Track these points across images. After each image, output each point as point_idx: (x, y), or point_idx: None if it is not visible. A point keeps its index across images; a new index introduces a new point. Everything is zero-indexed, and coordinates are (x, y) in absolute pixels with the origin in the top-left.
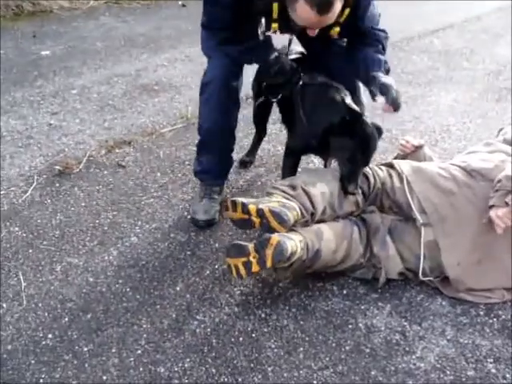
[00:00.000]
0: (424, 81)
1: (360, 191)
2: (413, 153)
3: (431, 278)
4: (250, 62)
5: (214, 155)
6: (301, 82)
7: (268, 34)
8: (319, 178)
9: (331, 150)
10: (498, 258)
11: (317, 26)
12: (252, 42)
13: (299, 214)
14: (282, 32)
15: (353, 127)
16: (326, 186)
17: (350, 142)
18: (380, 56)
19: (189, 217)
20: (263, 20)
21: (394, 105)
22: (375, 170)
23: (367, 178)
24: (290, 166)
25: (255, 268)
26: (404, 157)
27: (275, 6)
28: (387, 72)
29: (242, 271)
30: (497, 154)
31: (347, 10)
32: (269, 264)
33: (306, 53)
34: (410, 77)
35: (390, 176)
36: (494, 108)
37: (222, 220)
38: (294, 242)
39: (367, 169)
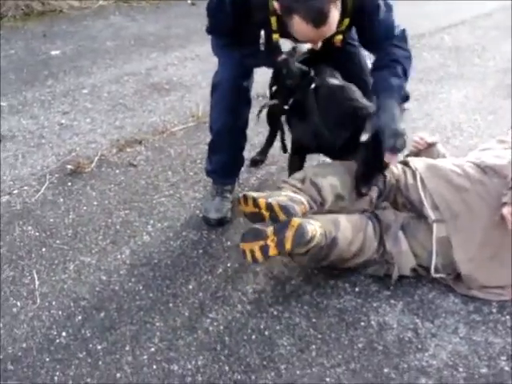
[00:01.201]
0: (435, 78)
1: (376, 190)
2: (426, 150)
3: (443, 275)
4: (256, 66)
5: (225, 155)
6: (313, 85)
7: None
8: (331, 171)
9: (346, 151)
10: (509, 254)
11: (317, 39)
12: (258, 45)
13: (307, 206)
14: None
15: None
16: (336, 179)
17: (366, 144)
18: (395, 81)
19: (201, 215)
20: (262, 32)
21: (394, 151)
22: (390, 167)
23: (383, 174)
24: (295, 165)
25: (273, 251)
26: (417, 154)
27: (273, 19)
28: (404, 100)
29: (259, 255)
30: (509, 151)
31: (346, 20)
32: (288, 246)
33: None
34: (421, 74)
35: (405, 173)
36: (505, 105)
37: (233, 218)
38: (313, 227)
39: None
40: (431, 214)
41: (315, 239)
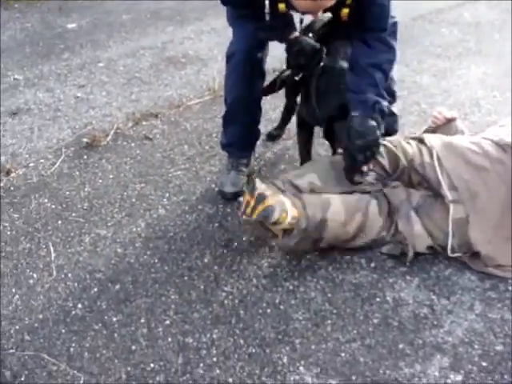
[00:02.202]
0: (453, 54)
1: (373, 175)
2: (444, 125)
3: (460, 254)
4: (269, 39)
5: (240, 127)
6: (322, 64)
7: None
8: (310, 169)
9: (336, 137)
10: None
11: (315, 10)
12: (271, 20)
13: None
14: (291, 11)
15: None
16: (315, 175)
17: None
18: (371, 96)
19: (216, 189)
20: (267, 2)
21: (364, 163)
22: (403, 146)
23: (394, 155)
24: (303, 140)
25: (247, 211)
26: (434, 130)
27: None
28: (381, 113)
29: (241, 207)
30: None
31: None
32: (254, 217)
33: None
34: (439, 49)
35: (420, 151)
36: None
37: None
38: (285, 214)
39: (392, 147)
40: (448, 194)
41: (283, 224)
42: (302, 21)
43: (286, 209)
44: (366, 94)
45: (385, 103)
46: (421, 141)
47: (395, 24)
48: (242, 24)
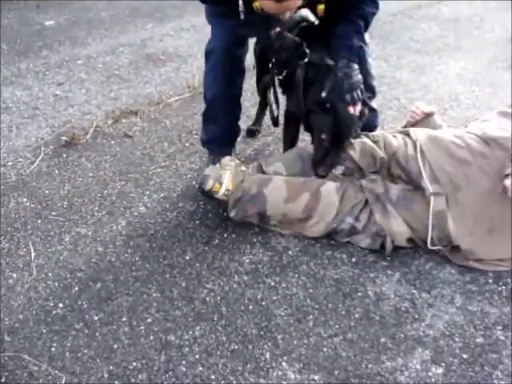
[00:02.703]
0: (432, 49)
1: (341, 168)
2: (423, 120)
3: (440, 247)
4: (249, 36)
5: (220, 123)
6: (306, 60)
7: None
8: (280, 158)
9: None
10: (507, 228)
11: (281, 12)
12: (251, 16)
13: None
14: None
15: (330, 110)
16: (281, 164)
17: (324, 123)
18: (356, 42)
19: (197, 186)
20: (240, 1)
21: (352, 104)
22: (388, 139)
23: (369, 150)
24: (289, 135)
25: None
26: (413, 125)
27: None
28: (360, 58)
29: None
30: None
31: None
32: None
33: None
34: (419, 45)
35: (405, 143)
36: (503, 76)
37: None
38: (218, 185)
39: (369, 142)
40: (429, 186)
41: (219, 193)
42: (279, 19)
43: (221, 181)
44: (352, 39)
45: (368, 51)
46: (407, 134)
47: (377, 2)
48: (221, 21)
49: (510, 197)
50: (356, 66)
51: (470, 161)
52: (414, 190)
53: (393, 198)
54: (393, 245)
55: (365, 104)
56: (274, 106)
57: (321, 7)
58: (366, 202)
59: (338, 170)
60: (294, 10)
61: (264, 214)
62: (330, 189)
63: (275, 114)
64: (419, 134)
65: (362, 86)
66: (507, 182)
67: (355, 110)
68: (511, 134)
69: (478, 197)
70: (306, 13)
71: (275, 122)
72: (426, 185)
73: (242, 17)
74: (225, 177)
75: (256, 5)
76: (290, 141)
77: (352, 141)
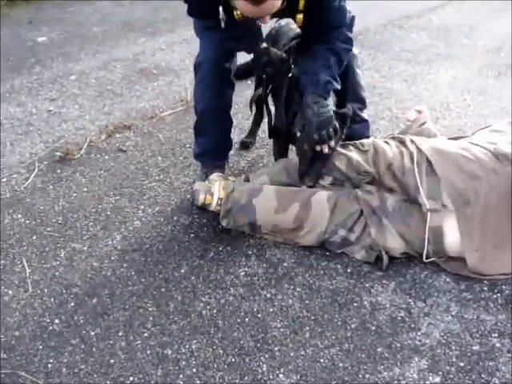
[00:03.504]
0: (423, 58)
1: (329, 179)
2: (416, 128)
3: (435, 259)
4: (237, 50)
5: (211, 136)
6: (290, 74)
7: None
8: (265, 171)
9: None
10: (510, 244)
11: (259, 15)
12: (238, 30)
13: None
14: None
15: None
16: (266, 177)
17: (305, 138)
18: (324, 76)
19: (191, 200)
20: (221, 8)
21: (320, 143)
22: (382, 148)
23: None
24: (278, 148)
25: None
26: (406, 131)
27: None
28: (328, 93)
29: None
30: None
31: (302, 0)
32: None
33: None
34: (409, 55)
35: (401, 154)
36: (494, 84)
37: None
38: (210, 196)
39: (353, 156)
40: (426, 202)
41: (212, 205)
42: (259, 27)
43: (211, 192)
44: (319, 74)
45: (337, 86)
46: (401, 141)
47: (353, 18)
48: (209, 34)
49: None
50: (325, 102)
51: (481, 176)
52: (410, 203)
53: (389, 209)
54: (388, 256)
55: (341, 132)
56: (268, 118)
57: (299, 16)
58: (361, 212)
59: (326, 180)
60: (271, 12)
61: (255, 224)
62: (320, 198)
63: (272, 124)
64: (423, 144)
65: (334, 123)
66: None
67: (323, 148)
68: None
69: (486, 213)
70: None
71: (270, 134)
72: (423, 201)
73: (222, 25)
74: (214, 187)
75: (237, 13)
76: (279, 153)
77: (339, 149)
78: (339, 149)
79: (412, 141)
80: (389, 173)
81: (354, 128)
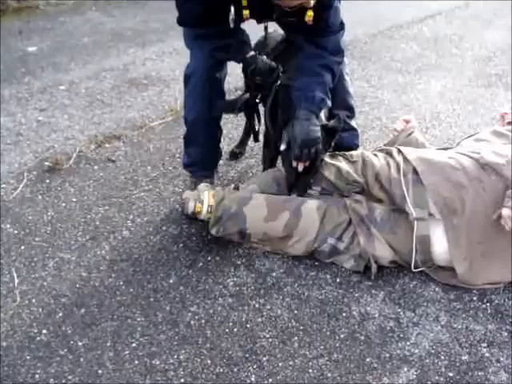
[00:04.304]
0: (413, 68)
1: (318, 189)
2: (404, 138)
3: (424, 269)
4: (226, 60)
5: (201, 146)
6: (278, 82)
7: (240, 20)
8: (255, 180)
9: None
10: (499, 252)
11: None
12: (227, 39)
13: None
14: (255, 19)
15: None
16: (256, 186)
17: (290, 152)
18: (319, 94)
19: (180, 209)
20: (232, 8)
21: (300, 160)
22: (370, 159)
23: (344, 172)
24: (268, 158)
25: None
26: (394, 142)
27: None
28: (320, 110)
29: None
30: (509, 147)
31: None
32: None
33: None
34: (399, 65)
35: (388, 164)
36: (484, 94)
37: None
38: (200, 204)
39: (341, 165)
40: (413, 211)
41: (202, 214)
42: (266, 28)
43: (201, 199)
44: (314, 92)
45: (329, 103)
46: (388, 153)
47: (343, 27)
48: (200, 44)
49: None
50: (315, 121)
51: (466, 185)
52: (399, 212)
53: (377, 219)
54: (376, 265)
55: (329, 145)
56: (256, 122)
57: (310, 13)
58: (350, 221)
59: (314, 190)
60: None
61: (244, 232)
62: (310, 207)
63: (256, 129)
64: (410, 154)
65: (319, 145)
66: (504, 211)
67: (299, 165)
68: (507, 160)
69: (473, 221)
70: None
71: (255, 138)
72: (410, 210)
73: (232, 25)
74: (204, 195)
75: (246, 13)
76: (268, 161)
77: (327, 160)
78: (328, 159)
79: (399, 151)
80: (376, 183)
81: (343, 136)
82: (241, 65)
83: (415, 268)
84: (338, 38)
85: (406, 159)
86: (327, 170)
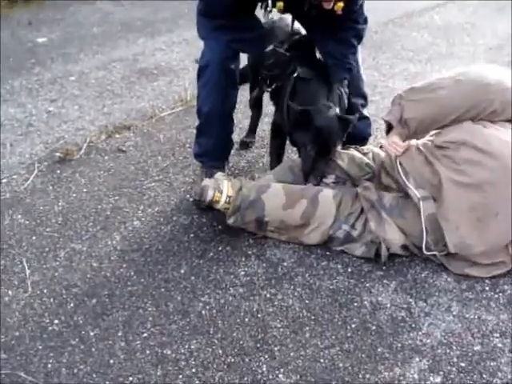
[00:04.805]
0: (424, 57)
1: (332, 177)
2: None
3: (436, 253)
4: (243, 52)
5: (214, 138)
6: (295, 74)
7: (273, 14)
8: (271, 171)
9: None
10: (495, 213)
11: None
12: (247, 32)
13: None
14: (287, 11)
15: (311, 122)
16: (273, 177)
17: (307, 137)
18: (352, 62)
19: (191, 199)
20: (270, 0)
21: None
22: (376, 151)
23: (358, 159)
24: (276, 146)
25: None
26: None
27: None
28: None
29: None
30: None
31: None
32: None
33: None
34: (411, 53)
35: (389, 155)
36: None
37: None
38: (219, 193)
39: (355, 153)
40: (416, 192)
41: (220, 203)
42: (293, 20)
43: (220, 189)
44: (350, 61)
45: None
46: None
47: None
48: (217, 35)
49: (486, 185)
50: (334, 111)
51: (435, 162)
52: (405, 197)
53: (386, 205)
54: (388, 252)
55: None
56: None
57: (340, 5)
58: (361, 210)
59: (329, 179)
60: None
61: (262, 220)
62: (327, 196)
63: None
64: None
65: (338, 130)
66: (383, 141)
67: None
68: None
69: (457, 191)
70: (298, 25)
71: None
72: (413, 191)
73: (269, 17)
74: (223, 185)
75: (280, 5)
76: (276, 153)
77: (340, 151)
78: (341, 150)
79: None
80: (383, 170)
81: (356, 126)
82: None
83: (427, 251)
84: (363, 9)
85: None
86: (340, 159)
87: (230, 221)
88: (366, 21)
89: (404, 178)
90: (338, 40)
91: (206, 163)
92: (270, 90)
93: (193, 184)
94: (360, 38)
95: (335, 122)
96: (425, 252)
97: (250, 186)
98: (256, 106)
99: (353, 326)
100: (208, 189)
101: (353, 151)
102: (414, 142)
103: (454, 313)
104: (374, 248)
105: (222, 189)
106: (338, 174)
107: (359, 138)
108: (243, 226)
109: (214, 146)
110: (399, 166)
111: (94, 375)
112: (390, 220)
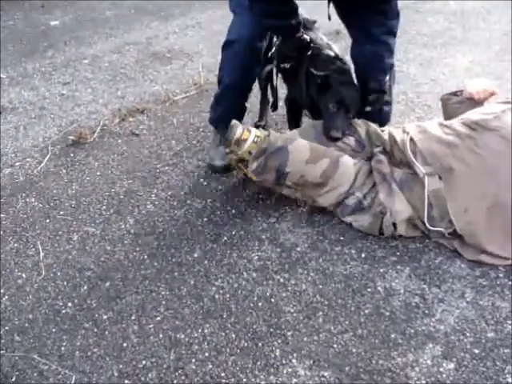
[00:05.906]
0: (440, 42)
1: (352, 139)
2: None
3: (441, 229)
4: (273, 31)
5: (232, 107)
6: (309, 52)
7: None
8: (296, 131)
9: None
10: (506, 205)
11: None
12: (287, 20)
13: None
14: None
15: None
16: (297, 132)
17: (330, 98)
18: (387, 61)
19: (205, 183)
20: None
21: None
22: (390, 130)
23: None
24: (293, 115)
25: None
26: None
27: None
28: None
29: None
30: (500, 106)
31: None
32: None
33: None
34: (426, 39)
35: (402, 133)
36: (510, 68)
37: (238, 185)
38: (247, 132)
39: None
40: (421, 168)
41: (247, 142)
42: (329, 17)
43: (249, 129)
44: (385, 60)
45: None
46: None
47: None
48: (249, 12)
49: (503, 176)
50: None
51: (458, 143)
52: (414, 174)
53: (397, 179)
54: (394, 231)
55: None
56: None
57: None
58: (374, 184)
59: (350, 140)
60: None
61: (283, 170)
62: (348, 161)
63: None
64: (409, 126)
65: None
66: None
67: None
68: (493, 116)
69: (470, 176)
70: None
71: (275, 107)
72: (419, 168)
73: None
74: (252, 129)
75: None
76: (293, 121)
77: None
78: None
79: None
80: (396, 146)
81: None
82: None
83: (431, 225)
84: (396, 2)
85: (405, 131)
86: (359, 127)
87: (253, 166)
88: (399, 16)
89: (411, 155)
90: (370, 37)
91: (222, 129)
92: (284, 66)
93: (208, 148)
94: (394, 35)
95: (352, 78)
96: (428, 226)
97: (278, 135)
98: (266, 85)
99: (366, 311)
100: (237, 127)
101: (369, 123)
102: (433, 121)
103: (468, 299)
104: (380, 219)
105: (250, 129)
106: (357, 137)
107: (378, 121)
108: (261, 178)
109: (230, 114)
110: (408, 144)
111: (107, 358)
112: (399, 192)
